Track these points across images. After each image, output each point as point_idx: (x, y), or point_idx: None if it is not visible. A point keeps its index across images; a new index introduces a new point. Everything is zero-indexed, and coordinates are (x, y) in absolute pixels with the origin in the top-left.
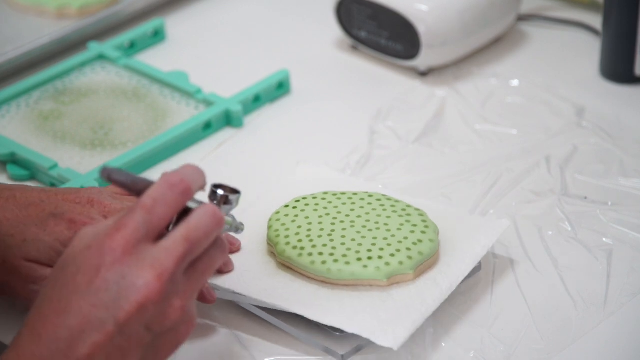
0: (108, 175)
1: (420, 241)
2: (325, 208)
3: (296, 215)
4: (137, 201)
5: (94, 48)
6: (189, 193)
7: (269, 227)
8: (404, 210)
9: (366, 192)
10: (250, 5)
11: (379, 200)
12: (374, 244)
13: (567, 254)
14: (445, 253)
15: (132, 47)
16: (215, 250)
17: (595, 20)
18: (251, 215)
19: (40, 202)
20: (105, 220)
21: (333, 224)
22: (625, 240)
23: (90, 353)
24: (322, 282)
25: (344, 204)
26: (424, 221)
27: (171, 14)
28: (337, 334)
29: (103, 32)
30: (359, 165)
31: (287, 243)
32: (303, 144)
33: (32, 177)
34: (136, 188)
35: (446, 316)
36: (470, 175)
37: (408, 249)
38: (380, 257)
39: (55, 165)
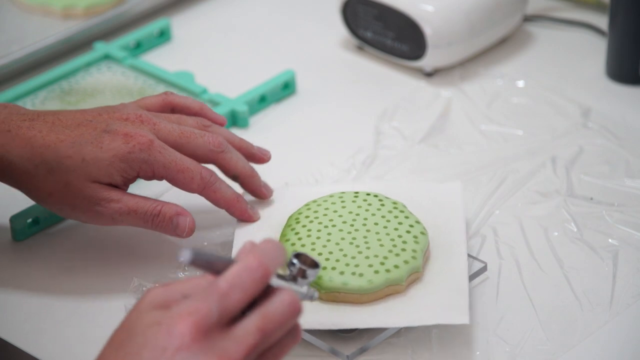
0: (191, 261)
1: (390, 269)
2: (350, 213)
3: (325, 208)
4: (213, 282)
5: (100, 48)
6: (267, 277)
7: (297, 210)
8: (403, 234)
9: (402, 208)
10: (256, 5)
11: (398, 219)
12: (357, 265)
13: (573, 255)
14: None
15: (138, 47)
16: (288, 339)
17: (601, 21)
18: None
19: (89, 121)
20: (178, 284)
21: (341, 230)
22: (631, 241)
23: None
24: None
25: (367, 209)
26: (414, 251)
27: (177, 14)
28: (343, 334)
29: (109, 32)
30: (365, 165)
31: (289, 233)
32: (309, 144)
33: None
34: (213, 268)
35: None
36: (475, 175)
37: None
38: (335, 269)
39: None
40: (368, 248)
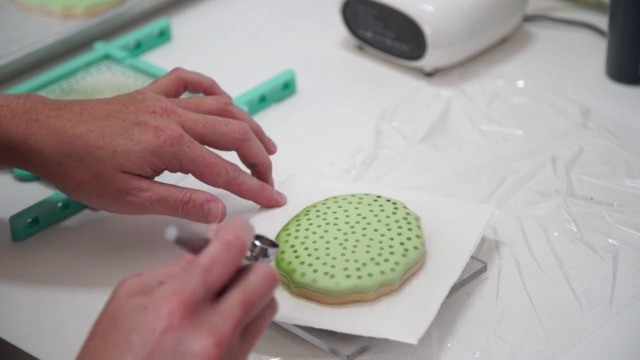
0: (176, 239)
1: (372, 273)
2: (359, 215)
3: (339, 206)
4: (194, 261)
5: (100, 48)
6: (245, 250)
7: (313, 203)
8: (395, 245)
9: (411, 220)
10: (255, 5)
11: (400, 230)
12: (333, 266)
13: (573, 255)
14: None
15: (138, 47)
16: (267, 311)
17: (601, 21)
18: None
19: (116, 112)
20: (152, 272)
21: (339, 230)
22: (631, 241)
23: None
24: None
25: (377, 214)
26: (396, 263)
27: (177, 14)
28: (343, 334)
29: (109, 32)
30: (365, 165)
31: (292, 223)
32: (309, 144)
33: (37, 177)
34: (193, 246)
35: (452, 316)
36: (476, 175)
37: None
38: (322, 273)
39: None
40: (353, 252)
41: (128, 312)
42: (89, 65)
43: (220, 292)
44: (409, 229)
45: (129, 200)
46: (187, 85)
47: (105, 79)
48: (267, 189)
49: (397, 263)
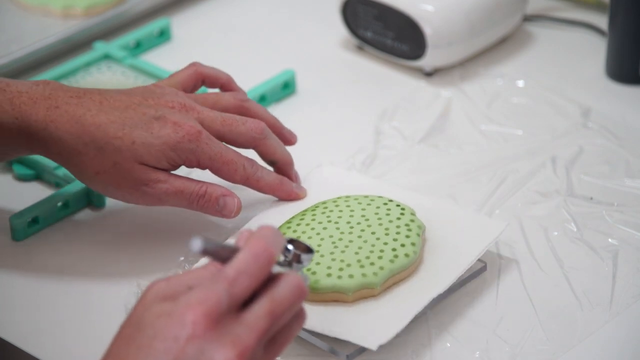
0: (202, 249)
1: (354, 275)
2: (363, 216)
3: (347, 206)
4: (220, 270)
5: (100, 48)
6: (272, 262)
7: (324, 201)
8: (387, 249)
9: (413, 227)
10: (255, 5)
11: (398, 235)
12: (318, 264)
13: (573, 255)
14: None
15: (138, 47)
16: (295, 322)
17: (601, 21)
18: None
19: (137, 105)
20: (181, 276)
21: (337, 229)
22: (631, 241)
23: None
24: None
25: (380, 217)
26: (381, 268)
27: (177, 14)
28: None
29: (109, 31)
30: (365, 165)
31: (296, 218)
32: (308, 144)
33: (37, 177)
34: (220, 256)
35: (451, 316)
36: (475, 175)
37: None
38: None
39: (60, 165)
40: (343, 252)
41: (152, 318)
42: (89, 65)
43: (249, 300)
44: (407, 236)
45: (146, 192)
46: (204, 80)
47: (105, 78)
48: (286, 183)
49: (381, 268)
